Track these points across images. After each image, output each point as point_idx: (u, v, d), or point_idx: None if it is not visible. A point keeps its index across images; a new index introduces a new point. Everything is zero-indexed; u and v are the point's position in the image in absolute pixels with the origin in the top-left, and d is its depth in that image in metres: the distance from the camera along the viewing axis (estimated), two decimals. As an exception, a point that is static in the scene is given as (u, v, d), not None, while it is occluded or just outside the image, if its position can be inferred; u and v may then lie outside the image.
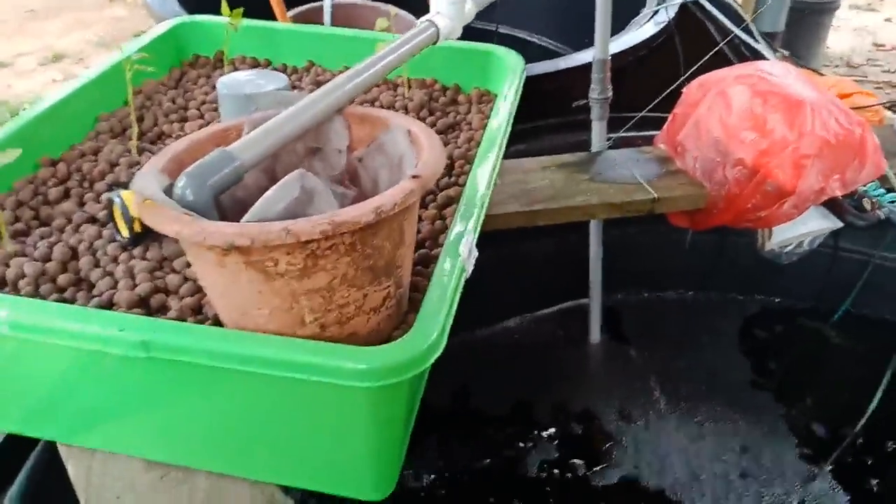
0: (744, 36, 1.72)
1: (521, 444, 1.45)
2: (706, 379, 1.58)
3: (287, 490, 0.73)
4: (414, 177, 0.62)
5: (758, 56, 1.76)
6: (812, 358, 1.66)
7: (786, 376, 1.60)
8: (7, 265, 0.73)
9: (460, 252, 0.69)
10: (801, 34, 3.09)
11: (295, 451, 0.69)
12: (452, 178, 0.91)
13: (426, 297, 0.64)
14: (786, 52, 2.33)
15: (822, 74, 2.05)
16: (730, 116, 1.22)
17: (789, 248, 1.35)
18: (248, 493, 0.72)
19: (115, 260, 0.75)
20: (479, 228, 0.75)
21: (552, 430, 1.48)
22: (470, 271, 0.71)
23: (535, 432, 1.48)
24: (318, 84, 1.12)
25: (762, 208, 1.21)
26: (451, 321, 0.63)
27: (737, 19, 1.85)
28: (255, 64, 1.19)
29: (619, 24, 1.84)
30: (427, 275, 0.72)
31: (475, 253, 0.73)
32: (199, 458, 0.73)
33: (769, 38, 2.57)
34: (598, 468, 1.41)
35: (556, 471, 1.41)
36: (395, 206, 0.58)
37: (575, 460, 1.43)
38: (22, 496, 0.80)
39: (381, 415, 0.64)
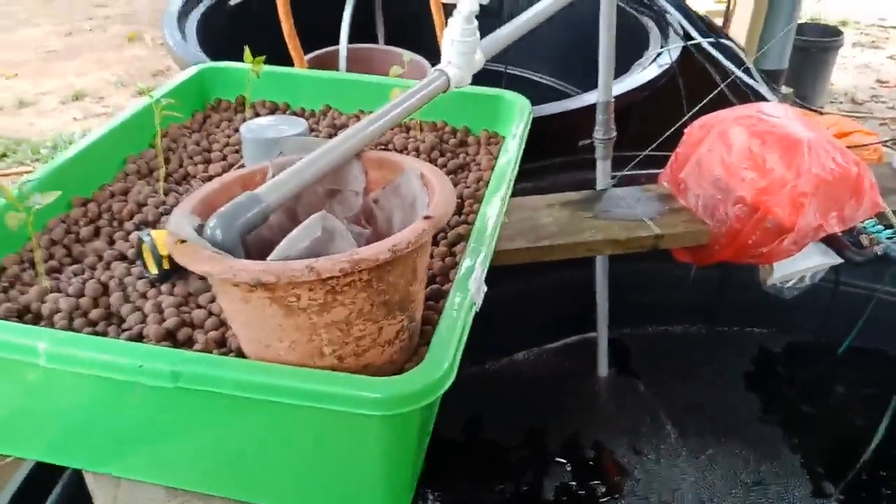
0: (745, 77, 1.78)
1: (534, 474, 1.47)
2: (714, 413, 1.60)
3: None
4: (426, 217, 0.66)
5: (759, 96, 1.81)
6: (817, 391, 1.68)
7: (792, 410, 1.62)
8: (43, 301, 0.78)
9: (469, 287, 0.73)
10: (805, 72, 3.16)
11: (311, 478, 0.73)
12: (462, 217, 0.96)
13: (437, 330, 0.68)
14: (789, 90, 2.39)
15: (823, 113, 2.10)
16: (730, 156, 1.27)
17: (791, 282, 1.38)
18: (267, 519, 0.75)
19: (143, 295, 0.79)
20: (487, 265, 0.79)
21: (564, 460, 1.51)
22: (479, 305, 0.74)
23: (547, 462, 1.50)
24: (335, 127, 1.17)
25: (763, 245, 1.25)
26: (461, 353, 0.67)
27: (737, 61, 1.90)
28: (275, 108, 1.25)
29: (624, 66, 1.90)
30: (438, 309, 0.76)
31: (484, 288, 0.77)
32: (219, 485, 0.77)
33: (773, 75, 2.63)
34: (609, 499, 1.43)
35: (564, 498, 1.43)
36: (409, 245, 0.62)
37: (586, 490, 1.44)
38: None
39: (393, 443, 0.68)
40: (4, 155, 3.10)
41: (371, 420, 0.63)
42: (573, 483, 1.46)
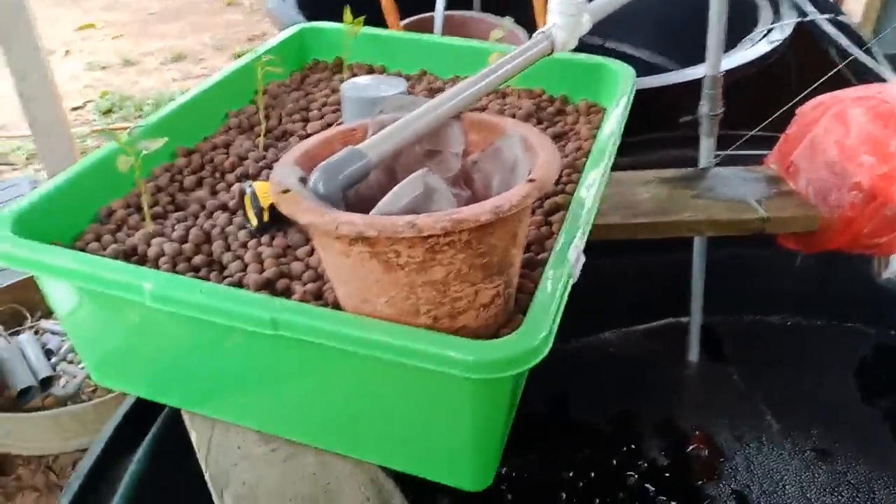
0: (866, 58, 1.66)
1: (624, 453, 1.45)
2: (816, 408, 1.52)
3: (388, 472, 0.77)
4: (531, 180, 0.64)
5: (878, 78, 1.69)
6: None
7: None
8: (149, 244, 0.80)
9: (569, 257, 0.71)
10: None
11: (399, 435, 0.73)
12: (559, 186, 0.93)
13: (535, 298, 0.66)
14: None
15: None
16: (847, 138, 1.19)
17: (908, 277, 1.29)
18: (353, 473, 0.76)
19: (244, 245, 0.80)
20: (587, 236, 0.76)
21: (658, 440, 1.47)
22: (577, 277, 0.72)
23: (640, 441, 1.47)
24: (431, 91, 1.16)
25: (879, 234, 1.16)
26: (557, 324, 0.65)
27: (856, 40, 1.78)
28: (371, 70, 1.25)
29: (731, 42, 1.81)
30: (533, 278, 0.74)
31: (583, 259, 0.74)
32: (309, 434, 0.78)
33: (892, 60, 2.45)
34: (705, 481, 1.39)
35: (663, 477, 1.40)
36: (511, 208, 0.61)
37: (680, 471, 1.41)
38: (148, 458, 0.87)
39: (483, 407, 0.67)
40: (110, 110, 3.24)
41: (461, 383, 0.62)
42: (666, 463, 1.43)
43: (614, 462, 1.43)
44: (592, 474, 1.41)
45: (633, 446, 1.46)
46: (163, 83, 3.58)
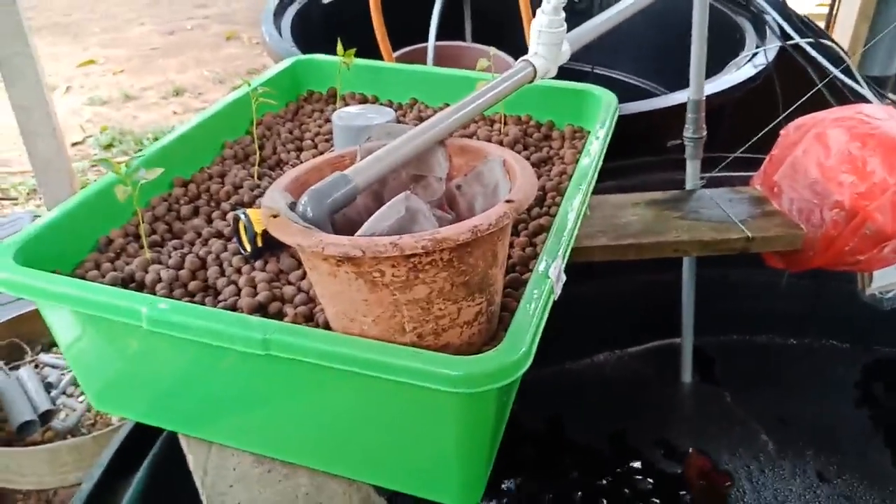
0: (845, 79, 1.70)
1: (619, 471, 1.46)
2: (811, 428, 1.53)
3: (381, 491, 0.78)
4: (508, 201, 0.67)
5: (860, 99, 1.73)
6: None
7: (893, 429, 1.54)
8: (146, 271, 0.83)
9: (549, 276, 0.73)
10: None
11: (389, 453, 0.75)
12: (544, 209, 0.96)
13: (516, 315, 0.68)
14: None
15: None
16: (828, 159, 1.22)
17: (892, 293, 1.31)
18: (346, 492, 0.78)
19: (238, 271, 0.83)
20: (567, 255, 0.79)
21: (654, 461, 1.48)
22: (558, 294, 0.75)
23: (636, 461, 1.48)
24: (421, 119, 1.20)
25: (861, 252, 1.19)
26: (538, 339, 0.67)
27: (839, 63, 1.82)
28: (364, 99, 1.29)
29: (718, 66, 1.86)
30: (517, 297, 0.77)
31: (563, 278, 0.77)
32: (302, 454, 0.80)
33: (881, 82, 2.49)
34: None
35: (663, 496, 1.41)
36: (490, 227, 0.63)
37: (679, 496, 1.42)
38: (147, 481, 0.89)
39: (469, 422, 0.69)
40: (111, 145, 3.30)
41: (447, 398, 0.64)
42: (666, 485, 1.43)
43: (611, 483, 1.44)
44: (589, 494, 1.42)
45: (629, 466, 1.47)
46: (163, 117, 3.64)
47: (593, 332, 1.64)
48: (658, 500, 1.41)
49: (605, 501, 1.41)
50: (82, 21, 4.79)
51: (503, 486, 1.38)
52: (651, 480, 1.45)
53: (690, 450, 1.50)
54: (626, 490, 1.43)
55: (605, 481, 1.44)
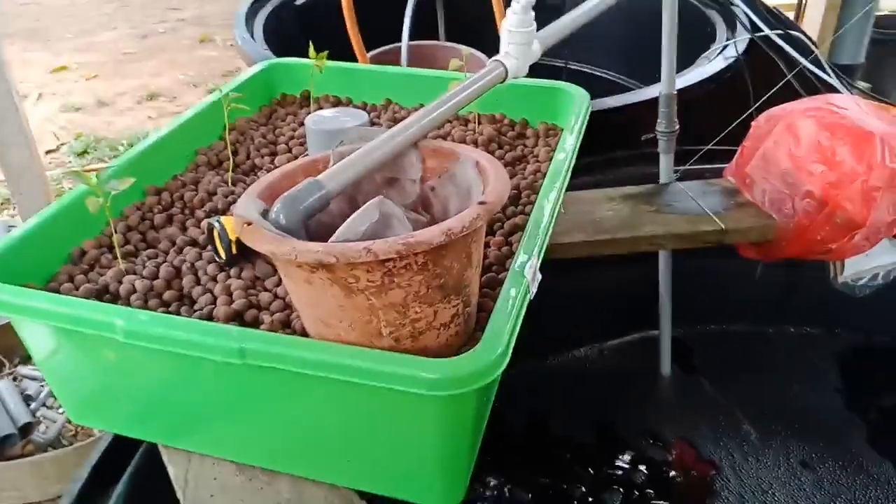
0: (814, 69, 1.72)
1: (605, 468, 1.47)
2: (789, 414, 1.55)
3: (362, 495, 0.78)
4: (481, 203, 0.67)
5: (830, 89, 1.75)
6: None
7: (876, 417, 1.56)
8: (120, 282, 0.82)
9: (525, 275, 0.74)
10: (884, 66, 3.02)
11: (370, 457, 0.75)
12: (519, 208, 0.96)
13: (493, 315, 0.69)
14: (866, 86, 2.29)
15: (899, 106, 2.01)
16: (798, 149, 1.23)
17: (863, 280, 1.34)
18: (327, 498, 0.78)
19: (213, 279, 0.83)
20: (542, 253, 0.79)
21: (638, 452, 1.49)
22: (534, 293, 0.75)
23: (622, 456, 1.49)
24: (395, 120, 1.20)
25: (832, 241, 1.21)
26: (514, 338, 0.68)
27: (808, 54, 1.85)
28: (338, 102, 1.28)
29: (690, 60, 1.87)
30: (494, 297, 0.77)
31: (539, 277, 0.77)
32: (282, 461, 0.80)
33: (849, 70, 2.53)
34: (699, 492, 1.41)
35: (648, 487, 1.43)
36: (463, 229, 0.64)
37: (665, 485, 1.43)
38: (127, 493, 0.89)
39: (449, 424, 0.69)
40: (86, 152, 3.26)
41: (426, 400, 0.65)
42: (653, 474, 1.45)
43: (595, 475, 1.45)
44: (575, 487, 1.43)
45: (614, 459, 1.48)
46: (138, 122, 3.60)
47: (573, 327, 1.65)
48: (648, 491, 1.43)
49: (589, 495, 1.42)
50: (54, 27, 4.73)
51: (488, 481, 1.39)
52: (643, 468, 1.46)
53: (674, 440, 1.52)
54: (612, 481, 1.44)
55: (590, 475, 1.46)
